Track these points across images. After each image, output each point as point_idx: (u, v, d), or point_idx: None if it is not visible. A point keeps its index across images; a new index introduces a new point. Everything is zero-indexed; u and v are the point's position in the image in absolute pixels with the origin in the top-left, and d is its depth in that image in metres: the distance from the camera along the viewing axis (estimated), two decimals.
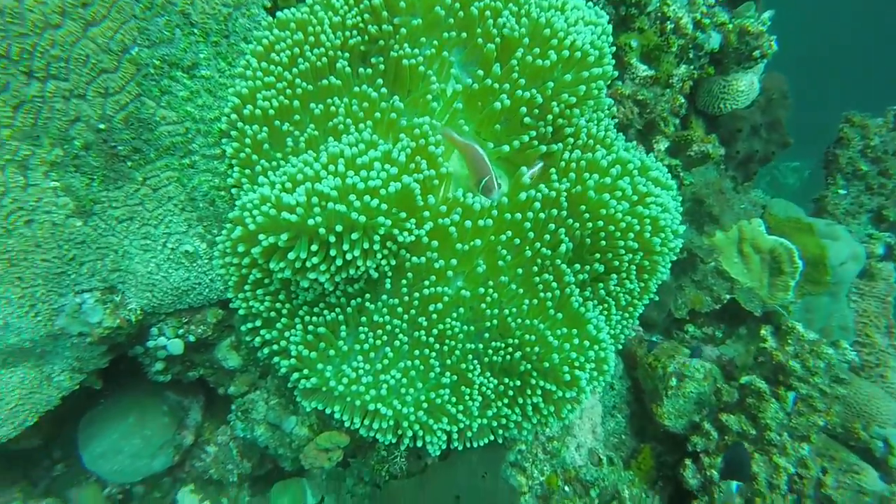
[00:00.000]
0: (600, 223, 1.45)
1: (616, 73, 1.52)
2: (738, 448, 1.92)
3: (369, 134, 1.39)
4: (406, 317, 1.53)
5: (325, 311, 1.54)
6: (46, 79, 1.37)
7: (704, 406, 2.15)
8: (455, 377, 1.60)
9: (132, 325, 1.80)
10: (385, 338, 1.55)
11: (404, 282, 1.48)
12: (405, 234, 1.33)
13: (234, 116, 1.54)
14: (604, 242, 1.49)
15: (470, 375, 1.59)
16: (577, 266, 1.53)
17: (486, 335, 1.56)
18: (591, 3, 1.62)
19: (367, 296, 1.52)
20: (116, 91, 1.46)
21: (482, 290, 1.47)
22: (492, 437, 1.76)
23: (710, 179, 2.49)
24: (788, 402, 2.02)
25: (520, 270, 1.49)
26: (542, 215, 1.45)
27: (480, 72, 1.47)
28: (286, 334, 1.60)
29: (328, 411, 1.63)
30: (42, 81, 1.37)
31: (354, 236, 1.26)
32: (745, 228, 2.57)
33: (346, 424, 1.65)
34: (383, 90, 1.48)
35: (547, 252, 1.48)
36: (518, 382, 1.56)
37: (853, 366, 2.90)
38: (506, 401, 1.62)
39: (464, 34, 1.46)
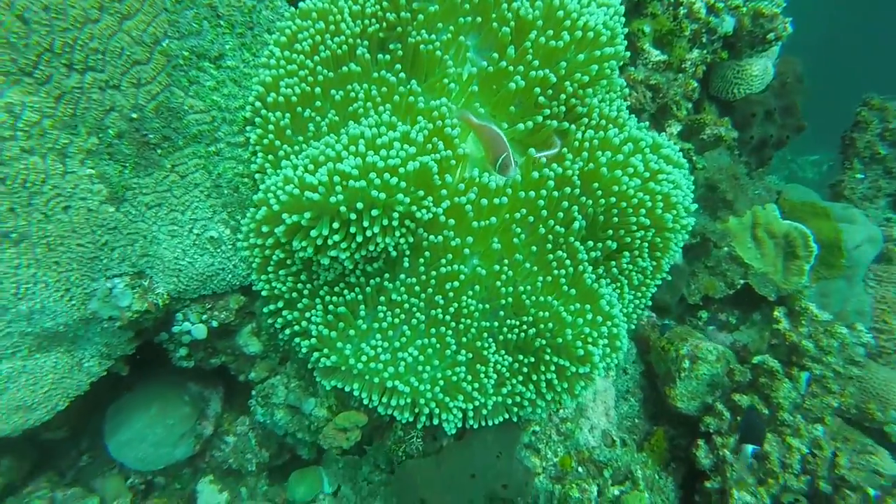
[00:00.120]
0: (613, 199, 1.49)
1: (628, 54, 1.56)
2: (752, 412, 1.93)
3: (388, 116, 1.44)
4: (423, 296, 1.58)
5: (346, 291, 1.60)
6: (85, 70, 1.45)
7: (717, 388, 2.17)
8: (471, 355, 1.64)
9: (159, 310, 1.87)
10: (403, 316, 1.60)
11: (422, 260, 1.53)
12: (423, 211, 1.38)
13: (258, 104, 1.60)
14: (616, 219, 1.52)
15: (485, 353, 1.64)
16: (591, 243, 1.57)
17: (501, 313, 1.60)
18: None
19: (386, 275, 1.58)
20: (148, 81, 1.53)
21: (497, 267, 1.51)
22: (506, 416, 1.80)
23: (723, 165, 2.50)
24: (802, 383, 2.03)
25: (534, 248, 1.53)
26: (555, 193, 1.49)
27: (495, 55, 1.52)
28: (307, 315, 1.65)
29: (347, 389, 1.69)
30: (81, 73, 1.44)
31: (374, 213, 1.32)
32: (758, 213, 2.58)
33: (365, 402, 1.70)
34: (401, 75, 1.54)
35: (560, 230, 1.52)
36: (532, 359, 1.61)
37: (870, 352, 2.89)
38: (520, 378, 1.66)
39: (479, 19, 1.51)
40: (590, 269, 1.58)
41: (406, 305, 1.59)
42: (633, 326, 1.91)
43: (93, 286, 1.75)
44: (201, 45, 1.59)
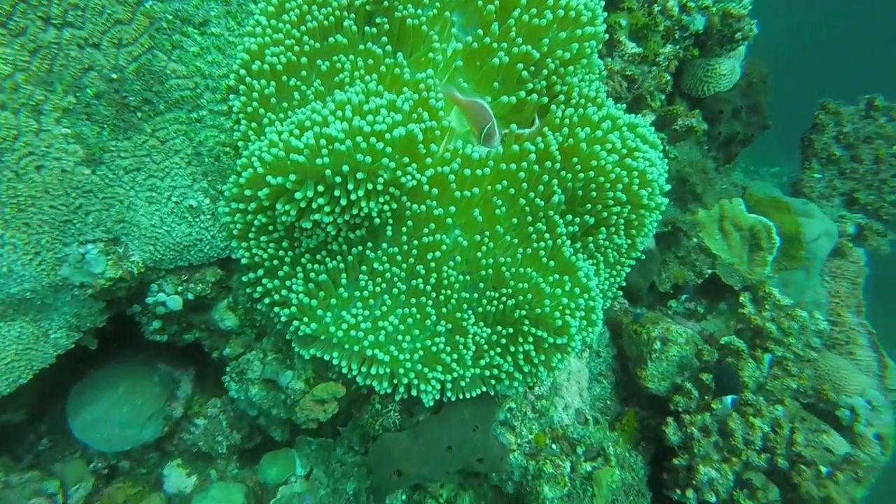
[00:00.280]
0: (591, 174, 1.54)
1: (607, 37, 1.62)
2: (723, 366, 2.01)
3: (375, 85, 1.46)
4: (405, 265, 1.60)
5: (327, 259, 1.61)
6: (63, 26, 1.42)
7: (686, 369, 2.25)
8: (450, 326, 1.67)
9: (134, 278, 1.83)
10: (384, 286, 1.62)
11: (404, 230, 1.55)
12: (408, 177, 1.40)
13: (242, 72, 1.60)
14: (594, 194, 1.58)
15: (464, 324, 1.66)
16: (569, 217, 1.62)
17: (481, 285, 1.64)
18: None
19: (369, 244, 1.59)
20: (130, 42, 1.51)
21: (479, 237, 1.54)
22: (484, 389, 1.83)
23: (693, 159, 2.60)
24: (765, 364, 2.12)
25: (514, 220, 1.57)
26: (535, 167, 1.53)
27: (480, 31, 1.55)
28: (287, 283, 1.65)
29: (326, 357, 1.69)
30: (58, 28, 1.41)
31: (359, 176, 1.33)
32: (726, 207, 2.69)
33: (344, 371, 1.71)
34: (388, 48, 1.56)
35: (540, 203, 1.56)
36: (510, 330, 1.64)
37: (825, 342, 3.04)
38: (498, 350, 1.70)
39: None
40: (568, 242, 1.62)
41: (388, 275, 1.61)
42: (608, 305, 1.97)
43: (65, 251, 1.71)
44: (186, 9, 1.58)
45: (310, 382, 1.93)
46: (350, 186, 1.34)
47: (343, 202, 1.35)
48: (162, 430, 2.76)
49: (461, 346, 1.68)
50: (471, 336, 1.67)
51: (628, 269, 1.94)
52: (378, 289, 1.62)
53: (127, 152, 1.63)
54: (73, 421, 2.60)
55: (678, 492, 2.22)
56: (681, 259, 2.68)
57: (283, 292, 1.67)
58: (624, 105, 1.71)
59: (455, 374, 1.72)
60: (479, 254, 1.57)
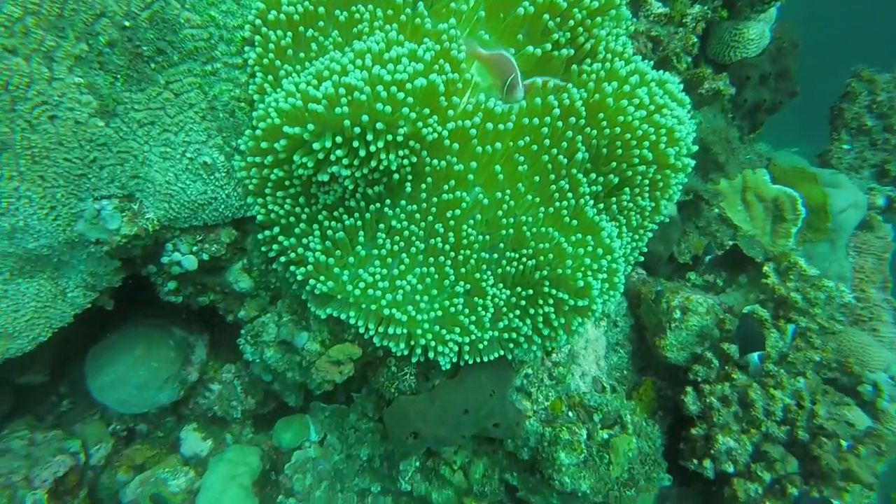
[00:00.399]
0: (617, 130, 1.48)
1: None
2: (748, 320, 1.97)
3: (395, 35, 1.41)
4: (423, 224, 1.57)
5: (345, 216, 1.57)
6: None
7: (706, 339, 2.21)
8: (469, 286, 1.64)
9: (149, 236, 1.82)
10: (402, 244, 1.59)
11: (423, 186, 1.51)
12: (429, 129, 1.35)
13: (258, 22, 1.55)
14: (620, 151, 1.52)
15: (483, 285, 1.63)
16: (593, 176, 1.57)
17: (501, 245, 1.60)
18: None
19: (387, 202, 1.55)
20: None
21: (500, 195, 1.50)
22: (501, 353, 1.81)
23: (717, 127, 2.52)
24: (788, 335, 2.08)
25: (537, 178, 1.52)
26: (559, 123, 1.48)
27: None
28: (304, 241, 1.63)
29: (343, 317, 1.67)
30: None
31: (379, 126, 1.29)
32: (749, 177, 2.62)
33: (361, 331, 1.69)
34: None
35: (563, 160, 1.51)
36: (530, 291, 1.61)
37: (849, 318, 2.98)
38: (517, 312, 1.67)
39: None
40: (591, 202, 1.58)
41: (406, 233, 1.57)
42: (629, 271, 1.92)
43: (80, 206, 1.69)
44: None
45: (325, 344, 1.92)
46: (369, 137, 1.30)
47: (362, 154, 1.31)
48: (178, 393, 2.79)
49: (480, 308, 1.65)
50: (490, 297, 1.64)
51: (650, 235, 1.89)
52: (396, 247, 1.58)
53: (141, 105, 1.59)
54: (91, 382, 2.63)
55: (695, 462, 2.20)
56: (701, 230, 2.62)
57: (300, 250, 1.65)
58: (651, 62, 1.64)
59: (473, 337, 1.70)
60: (500, 212, 1.53)
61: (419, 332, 1.67)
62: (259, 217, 1.66)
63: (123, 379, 2.63)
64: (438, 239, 1.57)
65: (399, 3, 1.51)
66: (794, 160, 2.72)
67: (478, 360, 1.79)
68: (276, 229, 1.65)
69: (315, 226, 1.60)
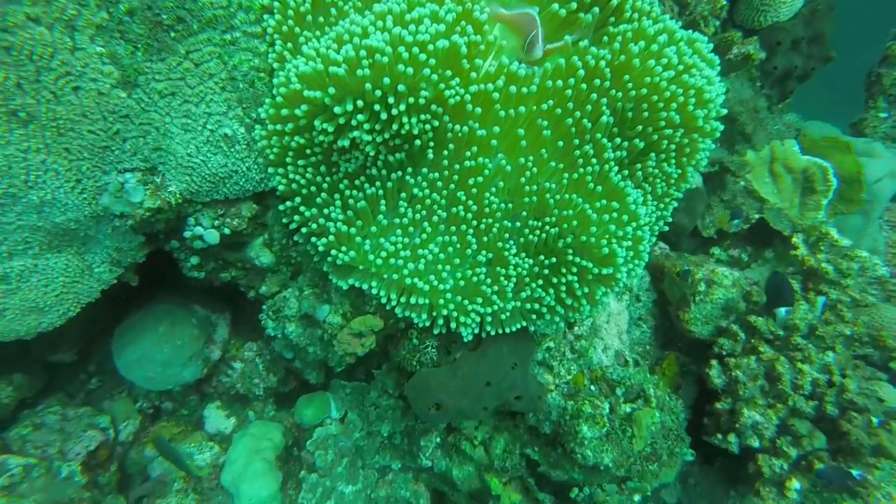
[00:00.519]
0: (644, 91, 1.44)
1: None
2: (777, 276, 1.93)
3: None
4: (445, 192, 1.55)
5: (366, 185, 1.56)
6: None
7: (731, 312, 2.17)
8: (491, 255, 1.62)
9: (171, 209, 1.83)
10: (424, 213, 1.57)
11: (445, 153, 1.49)
12: (451, 91, 1.33)
13: None
14: (646, 114, 1.48)
15: (506, 255, 1.61)
16: (618, 141, 1.53)
17: (524, 213, 1.57)
18: None
19: (409, 169, 1.54)
20: None
21: (523, 160, 1.47)
22: (524, 324, 1.79)
23: (744, 97, 2.44)
24: (818, 307, 2.02)
25: (560, 143, 1.49)
26: (583, 86, 1.44)
27: None
28: (325, 211, 1.62)
29: (364, 287, 1.67)
30: None
31: (401, 89, 1.27)
32: (777, 148, 2.54)
33: (383, 301, 1.69)
34: None
35: (588, 124, 1.47)
36: (553, 260, 1.58)
37: (882, 294, 2.89)
38: (540, 282, 1.65)
39: None
40: (616, 168, 1.54)
41: (427, 202, 1.56)
42: (654, 241, 1.88)
43: (104, 179, 1.71)
44: None
45: (347, 317, 1.92)
46: (391, 100, 1.28)
47: (383, 117, 1.29)
48: (201, 371, 2.83)
49: (502, 278, 1.64)
50: (512, 267, 1.62)
51: (675, 204, 1.84)
52: (418, 216, 1.57)
53: (161, 75, 1.59)
54: (118, 359, 2.69)
55: (719, 436, 2.18)
56: (726, 203, 2.56)
57: (321, 221, 1.64)
58: (679, 23, 1.58)
59: (495, 308, 1.68)
60: (523, 179, 1.50)
61: (441, 301, 1.66)
62: (280, 187, 1.65)
63: (148, 356, 2.68)
64: (461, 207, 1.56)
65: None
66: (827, 129, 2.63)
67: (500, 331, 1.77)
68: (298, 199, 1.65)
69: (336, 195, 1.59)
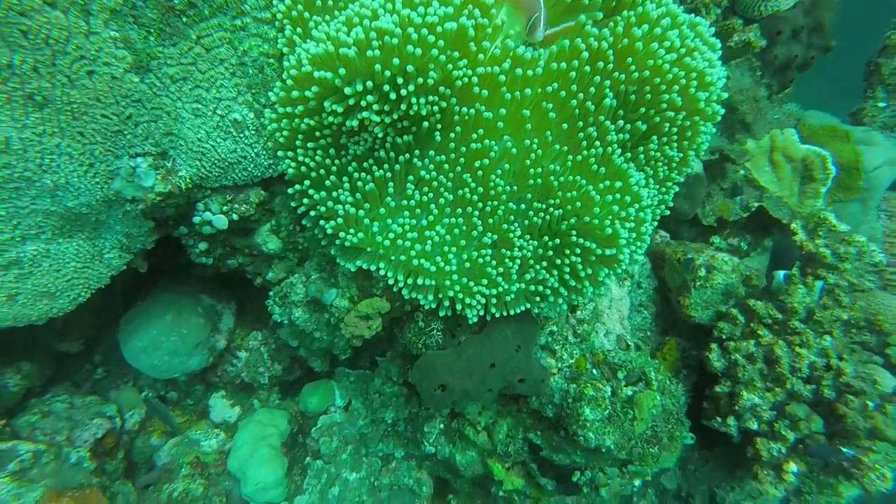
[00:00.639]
0: (647, 73, 1.47)
1: None
2: (783, 238, 1.97)
3: None
4: (452, 174, 1.58)
5: (374, 168, 1.59)
6: None
7: (731, 297, 2.20)
8: (496, 237, 1.65)
9: (182, 194, 1.86)
10: (431, 195, 1.61)
11: (452, 136, 1.52)
12: (459, 72, 1.36)
13: None
14: (649, 97, 1.51)
15: (511, 236, 1.65)
16: (621, 123, 1.56)
17: (529, 195, 1.61)
18: None
19: (416, 152, 1.57)
20: None
21: (528, 142, 1.50)
22: (528, 306, 1.82)
23: (744, 86, 2.48)
24: (816, 291, 2.06)
25: (565, 125, 1.52)
26: (587, 68, 1.48)
27: None
28: (334, 194, 1.65)
29: (372, 268, 1.70)
30: None
31: (410, 69, 1.30)
32: (777, 137, 2.57)
33: (390, 282, 1.72)
34: None
35: (591, 106, 1.51)
36: (557, 241, 1.62)
37: (880, 284, 2.93)
38: (544, 264, 1.68)
39: None
40: (619, 150, 1.57)
41: (434, 184, 1.59)
42: (655, 225, 1.92)
43: (116, 163, 1.74)
44: None
45: (354, 300, 1.96)
46: (400, 81, 1.31)
47: (392, 97, 1.32)
48: (207, 360, 2.86)
49: (507, 260, 1.67)
50: (517, 248, 1.65)
51: (677, 189, 1.88)
52: (425, 198, 1.60)
53: (173, 60, 1.62)
54: (124, 347, 2.72)
55: (718, 420, 2.21)
56: (726, 192, 2.59)
57: (330, 204, 1.67)
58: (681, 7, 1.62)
59: (500, 289, 1.71)
60: (528, 161, 1.54)
61: (447, 283, 1.69)
62: (290, 171, 1.68)
63: (155, 344, 2.71)
64: (467, 189, 1.59)
65: None
66: (826, 119, 2.66)
67: (504, 313, 1.81)
68: (307, 183, 1.68)
69: (345, 178, 1.62)
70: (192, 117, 1.74)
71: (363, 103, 1.35)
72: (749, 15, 2.46)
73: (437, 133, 1.52)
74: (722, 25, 2.29)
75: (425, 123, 1.48)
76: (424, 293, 1.72)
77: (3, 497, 2.14)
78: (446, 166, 1.57)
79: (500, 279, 1.70)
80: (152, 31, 1.56)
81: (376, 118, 1.39)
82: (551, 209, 1.59)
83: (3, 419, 2.39)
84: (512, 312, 1.81)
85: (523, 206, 1.63)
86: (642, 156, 1.66)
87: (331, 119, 1.42)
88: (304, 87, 1.41)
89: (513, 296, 1.75)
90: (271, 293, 2.32)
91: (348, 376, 2.99)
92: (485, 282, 1.70)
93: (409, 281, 1.70)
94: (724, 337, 2.14)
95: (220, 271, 2.40)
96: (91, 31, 1.49)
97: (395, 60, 1.30)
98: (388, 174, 1.60)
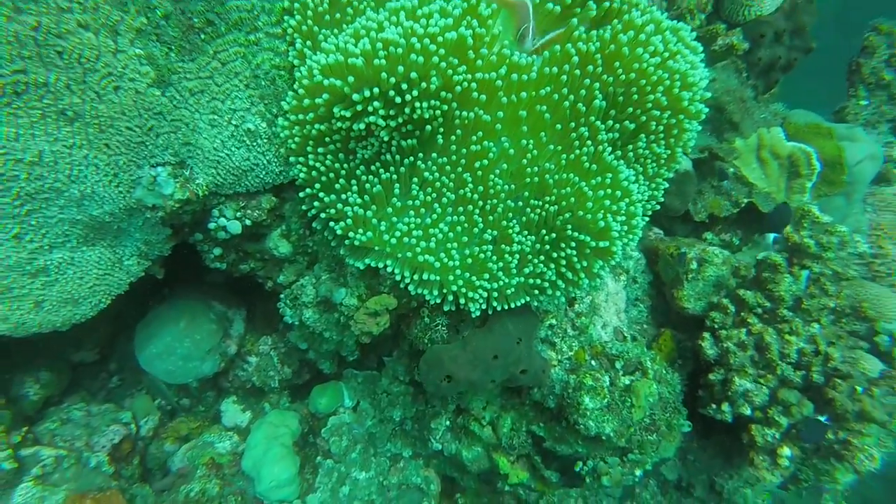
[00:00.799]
0: (633, 76, 1.59)
1: None
2: (782, 207, 2.06)
3: None
4: (453, 175, 1.69)
5: (381, 171, 1.71)
6: None
7: (722, 288, 2.30)
8: (496, 233, 1.76)
9: (199, 200, 1.97)
10: (434, 195, 1.72)
11: (453, 138, 1.64)
12: (460, 76, 1.48)
13: None
14: (635, 97, 1.63)
15: (510, 232, 1.75)
16: (610, 123, 1.68)
17: (526, 193, 1.72)
18: None
19: (420, 155, 1.68)
20: None
21: (525, 142, 1.62)
22: (528, 299, 1.92)
23: (731, 87, 2.60)
24: (802, 281, 2.16)
25: (558, 126, 1.64)
26: (577, 72, 1.59)
27: None
28: (343, 196, 1.76)
29: (380, 266, 1.81)
30: None
31: (413, 76, 1.42)
32: (764, 136, 2.69)
33: (397, 278, 1.82)
34: None
35: (582, 108, 1.62)
36: (554, 235, 1.72)
37: (867, 275, 3.04)
38: (542, 258, 1.78)
39: None
40: (609, 148, 1.69)
41: (437, 184, 1.70)
42: (646, 222, 2.02)
43: (138, 173, 1.85)
44: None
45: (362, 298, 2.06)
46: (404, 87, 1.43)
47: (397, 101, 1.44)
48: (219, 365, 2.96)
49: (507, 255, 1.77)
50: (516, 244, 1.76)
51: (666, 185, 1.99)
52: (429, 198, 1.71)
53: (192, 74, 1.74)
54: (140, 354, 2.81)
55: (713, 406, 2.30)
56: (716, 188, 2.70)
57: (339, 206, 1.78)
58: (666, 14, 1.74)
59: (501, 283, 1.81)
60: (525, 161, 1.65)
61: (451, 278, 1.79)
62: (301, 175, 1.79)
63: (169, 350, 2.81)
64: (468, 189, 1.70)
65: None
66: (810, 117, 2.79)
67: (505, 306, 1.91)
68: (317, 186, 1.79)
69: (353, 181, 1.73)
70: (208, 127, 1.86)
71: (370, 108, 1.47)
72: (733, 20, 2.59)
73: (440, 136, 1.63)
74: (706, 30, 2.41)
75: (428, 127, 1.59)
76: (429, 288, 1.82)
77: (28, 500, 2.22)
78: (448, 167, 1.68)
79: (500, 273, 1.80)
80: (173, 47, 1.69)
81: (382, 122, 1.50)
82: (547, 205, 1.70)
83: (25, 426, 2.48)
84: (513, 306, 1.91)
85: (521, 203, 1.74)
86: (632, 153, 1.77)
87: (339, 124, 1.53)
88: (315, 95, 1.53)
89: (513, 289, 1.85)
90: (282, 296, 2.42)
91: (356, 377, 3.08)
92: (486, 276, 1.80)
93: (415, 277, 1.80)
94: (716, 326, 2.23)
95: (233, 276, 2.51)
96: (118, 50, 1.61)
97: (400, 68, 1.41)
98: (394, 176, 1.71)
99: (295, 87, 1.67)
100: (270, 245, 2.30)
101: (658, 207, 2.00)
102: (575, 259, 1.74)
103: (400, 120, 1.52)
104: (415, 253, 1.73)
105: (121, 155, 1.78)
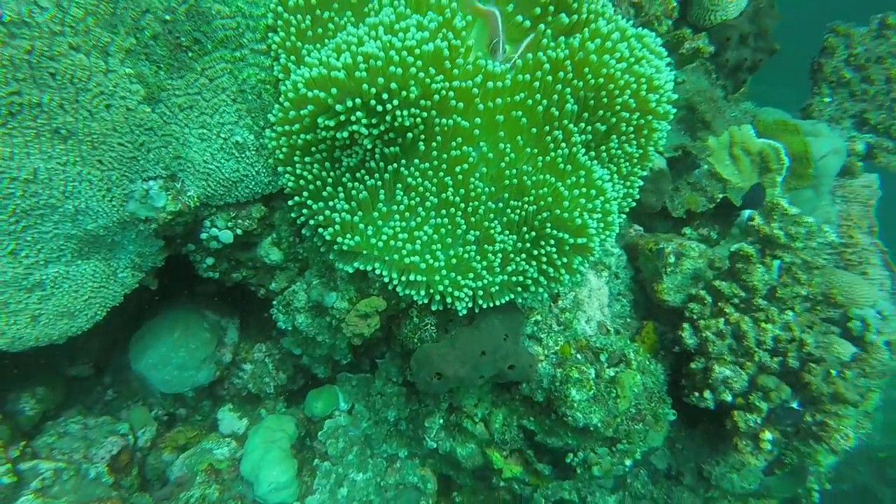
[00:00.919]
0: (601, 80, 1.68)
1: None
2: (756, 187, 2.16)
3: (403, 8, 1.62)
4: (435, 180, 1.77)
5: (366, 177, 1.78)
6: None
7: (700, 280, 2.39)
8: (478, 233, 1.84)
9: (191, 212, 2.03)
10: (418, 199, 1.79)
11: (434, 144, 1.72)
12: (437, 84, 1.56)
13: (280, 9, 1.76)
14: (605, 100, 1.72)
15: (492, 232, 1.83)
16: (582, 125, 1.77)
17: (506, 195, 1.80)
18: None
19: (403, 161, 1.76)
20: None
21: (502, 146, 1.70)
22: (512, 296, 2.00)
23: (701, 87, 2.71)
24: (774, 270, 2.26)
25: (534, 130, 1.72)
26: (549, 78, 1.68)
27: None
28: (331, 203, 1.83)
29: (368, 269, 1.88)
30: None
31: (393, 86, 1.50)
32: (735, 133, 2.80)
33: (385, 280, 1.89)
34: None
35: (555, 112, 1.71)
36: (534, 234, 1.81)
37: (839, 264, 3.15)
38: (524, 256, 1.87)
39: None
40: (583, 150, 1.77)
41: (420, 189, 1.78)
42: (623, 219, 2.11)
43: (131, 187, 1.91)
44: None
45: (353, 301, 2.13)
46: (385, 97, 1.51)
47: (379, 109, 1.52)
48: (214, 373, 3.00)
49: (489, 254, 1.85)
50: (498, 243, 1.84)
51: (641, 183, 2.08)
52: (413, 202, 1.79)
53: (181, 90, 1.81)
54: (136, 364, 2.85)
55: (696, 395, 2.38)
56: (692, 185, 2.80)
57: (327, 213, 1.85)
58: (632, 22, 1.84)
59: (485, 282, 1.89)
60: (503, 164, 1.73)
61: (437, 279, 1.87)
62: (290, 184, 1.86)
63: (165, 360, 2.85)
64: (450, 192, 1.78)
65: None
66: (778, 114, 2.90)
67: (490, 304, 1.98)
68: (305, 194, 1.86)
69: (340, 188, 1.81)
70: (198, 141, 1.92)
71: (353, 118, 1.54)
72: (700, 24, 2.70)
73: (421, 143, 1.71)
74: (673, 35, 2.52)
75: (409, 135, 1.67)
76: (417, 289, 1.89)
77: None
78: (430, 172, 1.76)
79: (484, 272, 1.88)
80: (162, 65, 1.75)
81: (365, 131, 1.58)
82: (526, 205, 1.78)
83: (23, 441, 2.51)
84: (498, 303, 1.98)
85: (501, 204, 1.82)
86: (605, 154, 1.86)
87: (324, 134, 1.60)
88: (301, 107, 1.60)
89: (497, 287, 1.93)
90: (275, 302, 2.48)
91: (350, 381, 3.13)
92: (471, 275, 1.88)
93: (403, 279, 1.88)
94: (694, 317, 2.32)
95: (226, 285, 2.56)
96: (109, 70, 1.67)
97: (380, 79, 1.49)
98: (379, 182, 1.78)
99: (280, 99, 1.74)
100: (262, 253, 2.36)
101: (634, 205, 2.09)
102: (555, 256, 1.82)
103: (382, 128, 1.60)
104: (401, 255, 1.80)
105: (113, 170, 1.84)
